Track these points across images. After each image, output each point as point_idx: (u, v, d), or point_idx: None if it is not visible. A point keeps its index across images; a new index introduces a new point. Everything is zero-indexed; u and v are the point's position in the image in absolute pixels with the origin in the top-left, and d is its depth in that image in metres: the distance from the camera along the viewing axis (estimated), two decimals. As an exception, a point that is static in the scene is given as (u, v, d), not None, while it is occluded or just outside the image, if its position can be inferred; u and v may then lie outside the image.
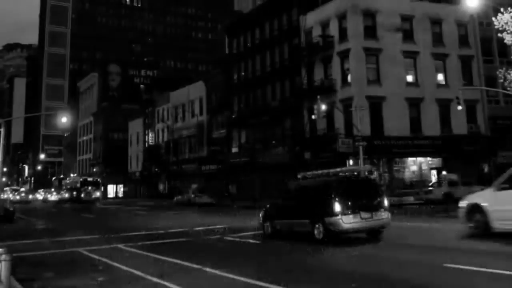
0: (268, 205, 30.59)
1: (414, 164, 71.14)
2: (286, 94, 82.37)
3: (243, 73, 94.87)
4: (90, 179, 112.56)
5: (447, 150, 70.92)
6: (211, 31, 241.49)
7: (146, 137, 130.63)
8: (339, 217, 23.65)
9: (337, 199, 23.94)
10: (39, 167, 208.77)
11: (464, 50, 75.22)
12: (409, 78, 71.79)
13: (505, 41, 45.02)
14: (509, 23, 43.68)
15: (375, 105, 68.68)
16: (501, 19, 43.93)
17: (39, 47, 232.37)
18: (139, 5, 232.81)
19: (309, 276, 16.24)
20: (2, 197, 78.10)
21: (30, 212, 67.69)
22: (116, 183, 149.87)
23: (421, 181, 69.51)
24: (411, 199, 62.72)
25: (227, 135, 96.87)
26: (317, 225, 24.52)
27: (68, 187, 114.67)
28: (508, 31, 44.04)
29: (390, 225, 25.47)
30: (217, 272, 17.24)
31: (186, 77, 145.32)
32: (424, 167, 71.53)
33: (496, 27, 45.12)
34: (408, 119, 70.33)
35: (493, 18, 45.12)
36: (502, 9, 44.49)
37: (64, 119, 58.57)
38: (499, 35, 45.49)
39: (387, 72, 69.75)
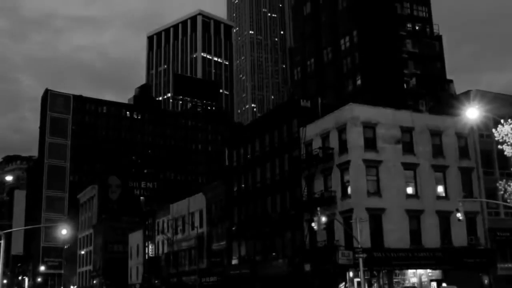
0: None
1: (414, 276, 70.41)
2: (286, 206, 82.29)
3: (243, 185, 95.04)
4: None
5: (447, 262, 70.36)
6: (211, 143, 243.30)
7: (146, 249, 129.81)
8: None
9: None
10: (39, 279, 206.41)
11: (464, 162, 75.55)
12: (409, 190, 71.86)
13: (505, 153, 45.22)
14: (509, 135, 43.99)
15: (375, 217, 68.55)
16: (501, 131, 44.25)
17: (39, 159, 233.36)
18: (139, 117, 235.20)
19: None
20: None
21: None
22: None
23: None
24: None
25: (227, 247, 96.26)
26: None
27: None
28: (508, 143, 44.31)
29: None
30: None
31: (186, 189, 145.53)
32: (424, 279, 70.78)
33: (496, 139, 45.43)
34: (408, 231, 70.05)
35: (493, 130, 45.46)
36: (502, 121, 44.90)
37: (64, 231, 58.45)
38: (499, 147, 45.74)
39: (387, 184, 69.88)
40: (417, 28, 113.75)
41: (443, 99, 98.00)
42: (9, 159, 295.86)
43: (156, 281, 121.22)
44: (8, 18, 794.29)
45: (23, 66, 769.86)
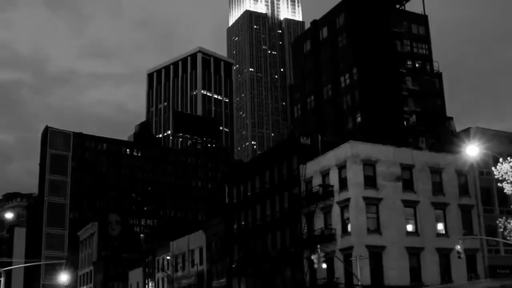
0: None
1: (415, 314, 70.18)
2: (286, 243, 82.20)
3: (243, 222, 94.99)
4: None
5: (448, 300, 70.12)
6: (211, 180, 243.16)
7: (146, 286, 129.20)
8: None
9: None
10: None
11: (464, 200, 75.61)
12: (409, 227, 71.91)
13: (505, 190, 45.34)
14: (508, 173, 44.16)
15: (375, 255, 68.51)
16: (501, 168, 44.44)
17: (39, 196, 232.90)
18: (139, 155, 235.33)
19: None
20: None
21: None
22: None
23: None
24: None
25: (227, 284, 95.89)
26: None
27: None
28: (508, 181, 44.45)
29: None
30: None
31: (186, 226, 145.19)
32: (425, 316, 70.57)
33: (496, 176, 45.59)
34: (408, 268, 70.04)
35: (493, 168, 45.63)
36: (501, 159, 45.08)
37: (64, 276, 58.42)
38: (499, 184, 45.87)
39: (387, 221, 69.91)
40: (417, 65, 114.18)
41: (443, 136, 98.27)
42: (9, 197, 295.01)
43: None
44: (34, 74, 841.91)
45: (44, 116, 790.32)
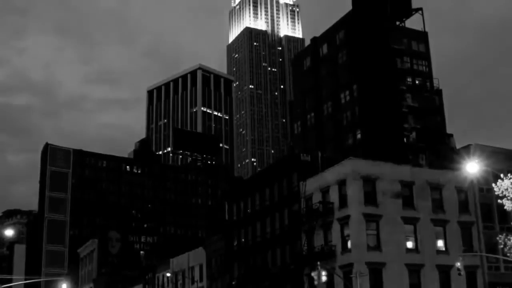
0: None
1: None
2: (286, 260, 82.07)
3: (243, 239, 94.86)
4: None
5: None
6: (211, 197, 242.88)
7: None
8: None
9: None
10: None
11: (464, 216, 75.55)
12: (409, 244, 71.86)
13: (505, 207, 45.32)
14: (509, 189, 44.14)
15: (375, 271, 68.44)
16: (501, 185, 44.42)
17: (39, 213, 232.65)
18: (139, 172, 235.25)
19: None
20: None
21: None
22: None
23: None
24: None
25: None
26: None
27: None
28: (508, 197, 44.44)
29: None
30: None
31: (186, 243, 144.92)
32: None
33: (496, 193, 45.53)
34: (408, 285, 70.03)
35: (493, 184, 45.59)
36: (502, 175, 45.08)
37: (64, 286, 58.25)
38: (499, 201, 45.84)
39: (387, 238, 69.84)
40: (417, 82, 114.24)
41: (443, 153, 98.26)
42: (9, 214, 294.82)
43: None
44: (45, 99, 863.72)
45: (52, 139, 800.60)
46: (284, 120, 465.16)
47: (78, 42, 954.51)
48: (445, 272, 71.35)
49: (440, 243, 73.76)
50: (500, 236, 54.37)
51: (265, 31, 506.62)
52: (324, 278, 60.75)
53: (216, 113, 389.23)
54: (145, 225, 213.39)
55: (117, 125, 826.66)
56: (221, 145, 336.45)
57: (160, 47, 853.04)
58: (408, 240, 71.85)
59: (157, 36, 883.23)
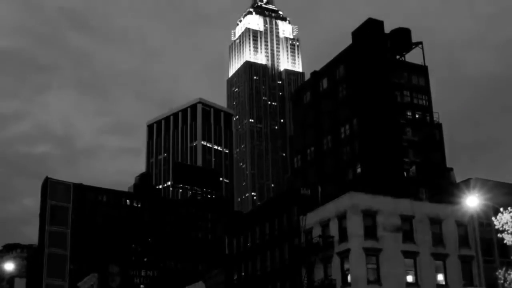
0: None
1: None
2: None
3: (243, 273, 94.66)
4: None
5: None
6: (211, 231, 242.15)
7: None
8: None
9: None
10: None
11: (464, 250, 75.51)
12: (409, 278, 71.78)
13: (505, 241, 45.25)
14: (509, 223, 44.11)
15: (376, 306, 68.20)
16: (501, 219, 44.39)
17: (39, 247, 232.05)
18: (139, 205, 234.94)
19: None
20: None
21: None
22: None
23: None
24: None
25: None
26: None
27: None
28: (508, 232, 44.39)
29: None
30: None
31: (186, 277, 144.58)
32: None
33: (496, 227, 45.47)
34: (409, 319, 69.73)
35: (493, 218, 45.56)
36: (501, 209, 45.08)
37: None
38: (499, 235, 45.80)
39: (387, 272, 69.74)
40: (417, 116, 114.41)
41: (443, 187, 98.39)
42: (9, 248, 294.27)
43: None
44: (64, 148, 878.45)
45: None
46: (284, 154, 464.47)
47: (95, 96, 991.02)
48: (445, 306, 71.23)
49: (440, 277, 73.69)
50: (500, 270, 54.30)
51: (265, 65, 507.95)
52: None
53: (216, 147, 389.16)
54: (145, 259, 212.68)
55: (129, 171, 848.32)
56: (221, 179, 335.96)
57: (172, 102, 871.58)
58: (408, 274, 71.77)
59: (170, 92, 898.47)
